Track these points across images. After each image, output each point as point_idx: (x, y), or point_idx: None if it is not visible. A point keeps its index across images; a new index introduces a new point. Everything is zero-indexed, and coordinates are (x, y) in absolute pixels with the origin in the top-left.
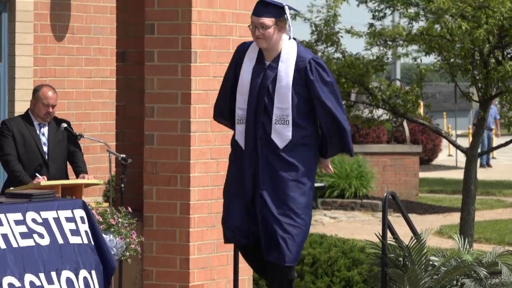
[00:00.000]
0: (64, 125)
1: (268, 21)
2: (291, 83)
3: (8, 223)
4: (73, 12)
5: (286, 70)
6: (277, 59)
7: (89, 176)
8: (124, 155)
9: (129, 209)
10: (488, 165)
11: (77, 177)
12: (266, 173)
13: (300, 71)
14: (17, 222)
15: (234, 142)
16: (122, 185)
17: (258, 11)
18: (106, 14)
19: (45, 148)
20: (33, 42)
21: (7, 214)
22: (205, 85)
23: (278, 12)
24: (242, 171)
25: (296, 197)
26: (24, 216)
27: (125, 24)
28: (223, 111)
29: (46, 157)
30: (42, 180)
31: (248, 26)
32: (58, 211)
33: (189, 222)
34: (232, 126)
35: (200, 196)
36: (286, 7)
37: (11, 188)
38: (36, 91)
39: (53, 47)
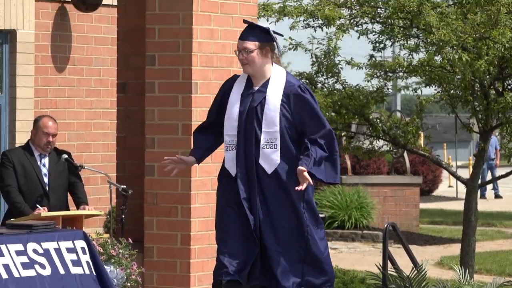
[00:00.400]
0: (65, 156)
1: (251, 44)
2: (279, 106)
3: (9, 253)
4: (73, 44)
5: (274, 94)
6: (265, 84)
7: (90, 207)
8: (124, 186)
9: (130, 240)
10: (483, 196)
11: (77, 208)
12: (262, 199)
13: (289, 95)
14: (18, 253)
15: (224, 172)
16: (123, 216)
17: (243, 35)
18: (107, 45)
19: (45, 179)
20: (34, 73)
21: (8, 245)
22: (206, 116)
23: (262, 36)
24: (237, 198)
25: (294, 226)
26: (25, 246)
27: (126, 55)
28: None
29: (47, 188)
30: (43, 211)
31: (235, 51)
32: (59, 242)
33: (189, 253)
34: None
35: (200, 227)
36: (271, 31)
37: (11, 219)
38: (36, 121)
39: (54, 78)
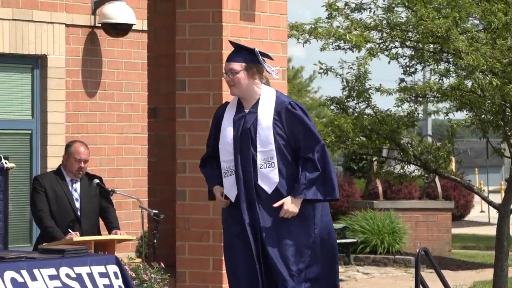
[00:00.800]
0: (97, 181)
1: (237, 65)
2: (272, 124)
3: (42, 278)
4: (104, 69)
5: (265, 113)
6: (256, 105)
7: (122, 232)
8: (156, 211)
9: (162, 264)
10: None
11: (109, 232)
12: (266, 223)
13: (280, 112)
14: (51, 277)
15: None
16: (155, 241)
17: (229, 57)
18: (137, 70)
19: (77, 204)
20: (65, 98)
21: (41, 269)
22: None
23: (248, 57)
24: (241, 225)
25: (301, 244)
26: (58, 271)
27: (157, 80)
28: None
29: (79, 213)
30: (75, 236)
31: (223, 73)
32: (91, 267)
33: (221, 278)
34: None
35: None
36: (256, 51)
37: (43, 244)
38: (68, 146)
39: (85, 103)
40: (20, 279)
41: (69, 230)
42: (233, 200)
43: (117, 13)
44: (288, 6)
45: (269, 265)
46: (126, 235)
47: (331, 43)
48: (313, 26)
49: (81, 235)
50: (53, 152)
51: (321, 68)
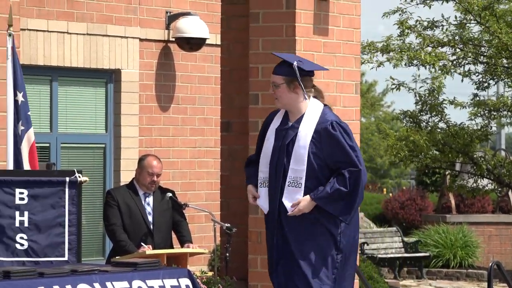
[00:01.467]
0: (169, 194)
1: (278, 79)
2: (309, 143)
3: None
4: (178, 83)
5: (306, 131)
6: (299, 120)
7: (194, 245)
8: (228, 224)
9: (234, 278)
10: None
11: (182, 246)
12: (280, 238)
13: (320, 132)
14: None
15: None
16: (227, 254)
17: (274, 69)
18: (210, 84)
19: (150, 218)
20: (138, 113)
21: (113, 282)
22: None
23: (289, 71)
24: (267, 241)
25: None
26: (130, 284)
27: (230, 94)
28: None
29: (151, 226)
30: (148, 249)
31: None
32: (164, 280)
33: None
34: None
35: None
36: (294, 66)
37: (116, 257)
38: (141, 160)
39: (158, 117)
40: None
41: (142, 243)
42: (265, 212)
43: (190, 27)
44: (361, 20)
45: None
46: (199, 248)
47: (403, 61)
48: (385, 44)
49: (154, 248)
50: (126, 166)
51: (393, 84)
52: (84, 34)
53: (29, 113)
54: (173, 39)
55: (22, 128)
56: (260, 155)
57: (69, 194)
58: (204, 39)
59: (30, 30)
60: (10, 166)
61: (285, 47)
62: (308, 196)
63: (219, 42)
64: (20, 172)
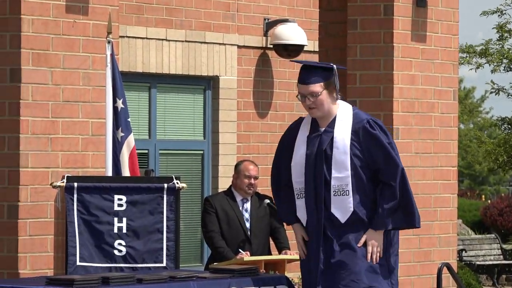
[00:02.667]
0: (267, 201)
1: (317, 87)
2: (349, 146)
3: None
4: (276, 89)
5: (343, 133)
6: (332, 123)
7: (292, 252)
8: None
9: None
10: None
11: (279, 252)
12: (329, 250)
13: (358, 132)
14: None
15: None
16: None
17: (304, 78)
18: None
19: (247, 224)
20: (236, 119)
21: None
22: (406, 161)
23: (326, 75)
24: (308, 255)
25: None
26: None
27: None
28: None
29: (249, 233)
30: (245, 256)
31: (297, 96)
32: (261, 287)
33: None
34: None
35: (402, 272)
36: (335, 69)
37: (214, 264)
38: (237, 165)
39: (256, 124)
40: None
41: (240, 250)
42: (304, 224)
43: (289, 34)
44: (459, 27)
45: None
46: (296, 255)
47: (503, 65)
48: (484, 48)
49: (251, 255)
50: (224, 173)
51: (493, 88)
52: (182, 41)
53: (128, 119)
54: (271, 46)
55: (122, 134)
56: (284, 169)
57: (167, 201)
58: (302, 46)
59: (129, 37)
60: (109, 173)
61: (383, 53)
62: (370, 230)
63: (317, 49)
64: (118, 178)
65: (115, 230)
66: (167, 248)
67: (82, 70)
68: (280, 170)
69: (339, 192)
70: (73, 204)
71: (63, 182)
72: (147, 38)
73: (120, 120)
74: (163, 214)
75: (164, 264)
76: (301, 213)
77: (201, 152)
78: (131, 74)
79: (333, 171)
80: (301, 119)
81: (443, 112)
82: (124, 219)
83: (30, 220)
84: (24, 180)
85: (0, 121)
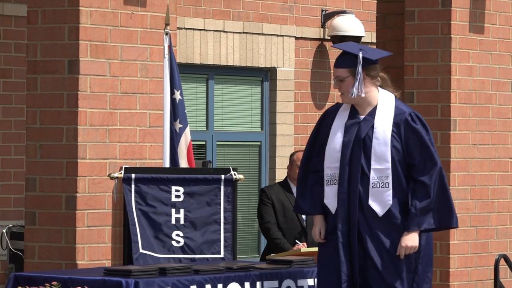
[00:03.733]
0: None
1: (342, 72)
2: (390, 138)
3: None
4: (333, 81)
5: (384, 124)
6: (372, 112)
7: None
8: None
9: None
10: None
11: None
12: (364, 244)
13: (399, 124)
14: None
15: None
16: None
17: (336, 62)
18: None
19: (303, 215)
20: (294, 111)
21: (264, 282)
22: (464, 153)
23: (355, 61)
24: (335, 245)
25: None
26: (280, 284)
27: None
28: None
29: (305, 224)
30: (302, 247)
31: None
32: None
33: None
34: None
35: (459, 263)
36: (360, 56)
37: (271, 255)
38: (291, 156)
39: (313, 115)
40: None
41: (296, 241)
42: (333, 212)
43: (346, 25)
44: None
45: None
46: None
47: None
48: None
49: (308, 246)
50: (281, 164)
51: None
52: (240, 33)
53: (185, 111)
54: (329, 38)
55: (180, 126)
56: (318, 154)
57: (225, 192)
58: (360, 37)
59: (186, 29)
60: (167, 164)
61: (441, 45)
62: (405, 233)
63: (374, 40)
64: (176, 169)
65: (173, 221)
66: (224, 239)
67: (140, 61)
68: (312, 155)
69: (378, 184)
70: (130, 195)
71: (120, 173)
72: (204, 29)
73: (177, 111)
74: (220, 205)
75: (221, 255)
76: (330, 200)
77: (259, 143)
78: (188, 65)
79: (372, 163)
80: (340, 104)
81: (500, 104)
82: (182, 210)
83: (88, 211)
84: (82, 171)
85: (58, 113)
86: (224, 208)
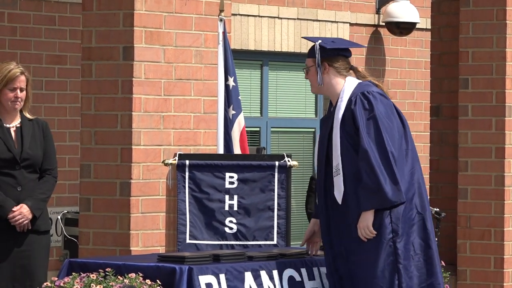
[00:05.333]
0: None
1: (308, 61)
2: (339, 124)
3: (320, 276)
4: (388, 67)
5: (338, 114)
6: (337, 103)
7: None
8: (437, 209)
9: (443, 262)
10: None
11: None
12: (335, 234)
13: (348, 108)
14: None
15: None
16: (436, 239)
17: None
18: (420, 69)
19: None
20: None
21: (320, 268)
22: None
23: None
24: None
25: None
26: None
27: (439, 78)
28: None
29: None
30: None
31: None
32: None
33: (503, 277)
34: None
35: None
36: (317, 46)
37: None
38: None
39: None
40: (298, 278)
41: None
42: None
43: (401, 12)
44: None
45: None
46: None
47: None
48: None
49: None
50: None
51: None
52: (294, 19)
53: (239, 97)
54: (383, 24)
55: (233, 112)
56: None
57: (279, 178)
58: (415, 24)
59: (241, 15)
60: (220, 150)
61: (496, 31)
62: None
63: (429, 27)
64: (230, 156)
65: (226, 208)
66: (278, 226)
67: (194, 48)
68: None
69: (335, 172)
70: (184, 182)
71: (175, 159)
72: (259, 16)
73: (231, 98)
74: (274, 192)
75: (274, 242)
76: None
77: (313, 130)
78: (243, 52)
79: (333, 151)
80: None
81: None
82: (235, 197)
83: (142, 198)
84: (136, 158)
85: (113, 99)
86: (278, 194)
